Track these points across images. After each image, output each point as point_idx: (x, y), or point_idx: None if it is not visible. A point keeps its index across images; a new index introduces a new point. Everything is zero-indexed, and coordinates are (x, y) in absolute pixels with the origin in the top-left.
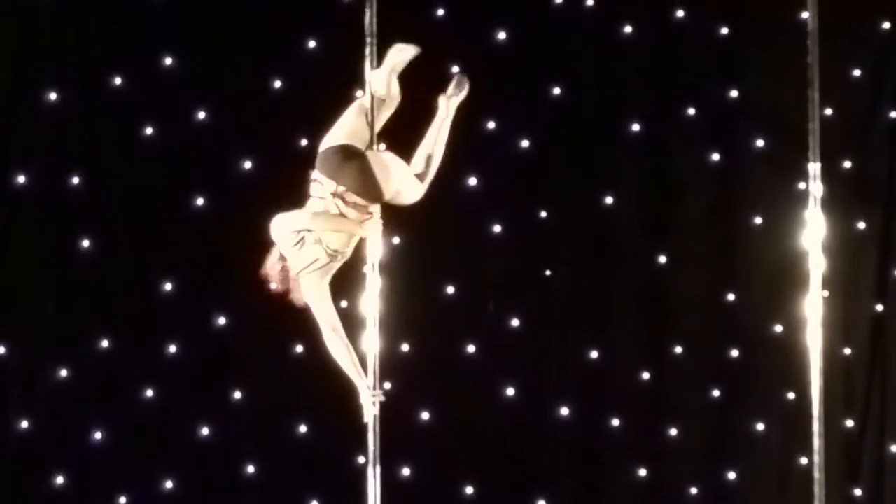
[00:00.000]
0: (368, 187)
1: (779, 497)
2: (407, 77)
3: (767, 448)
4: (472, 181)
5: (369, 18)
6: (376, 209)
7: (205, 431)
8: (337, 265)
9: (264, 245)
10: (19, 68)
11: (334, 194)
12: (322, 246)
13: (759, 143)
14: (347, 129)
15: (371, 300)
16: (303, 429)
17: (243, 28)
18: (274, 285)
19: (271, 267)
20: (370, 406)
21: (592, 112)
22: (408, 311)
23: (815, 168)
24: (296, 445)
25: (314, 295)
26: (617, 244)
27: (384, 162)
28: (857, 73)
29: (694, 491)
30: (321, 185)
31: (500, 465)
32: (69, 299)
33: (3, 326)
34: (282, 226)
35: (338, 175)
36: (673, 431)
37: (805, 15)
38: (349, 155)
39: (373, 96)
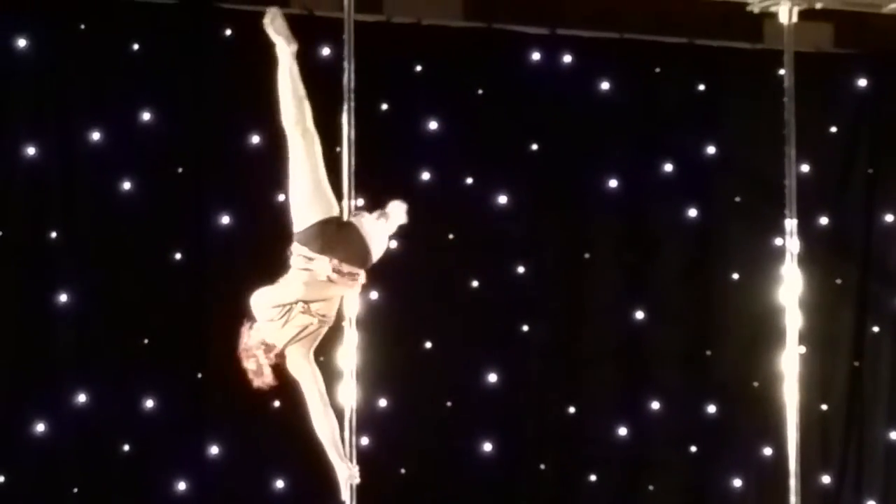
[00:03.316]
0: (363, 254)
1: None
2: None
3: None
4: (450, 236)
5: (347, 75)
6: (362, 274)
7: (181, 487)
8: (324, 331)
9: (240, 300)
10: None
11: (334, 269)
12: (311, 314)
13: (737, 199)
14: (320, 202)
15: (348, 355)
16: (279, 484)
17: (221, 84)
18: (256, 380)
19: (248, 359)
20: (346, 485)
21: (570, 168)
22: (385, 365)
23: (791, 224)
24: (272, 501)
25: (303, 367)
26: (594, 300)
27: (369, 226)
28: (833, 129)
29: None
30: (310, 260)
31: None
32: (45, 354)
33: None
34: (267, 300)
35: (333, 249)
36: (650, 487)
37: (782, 72)
38: (340, 226)
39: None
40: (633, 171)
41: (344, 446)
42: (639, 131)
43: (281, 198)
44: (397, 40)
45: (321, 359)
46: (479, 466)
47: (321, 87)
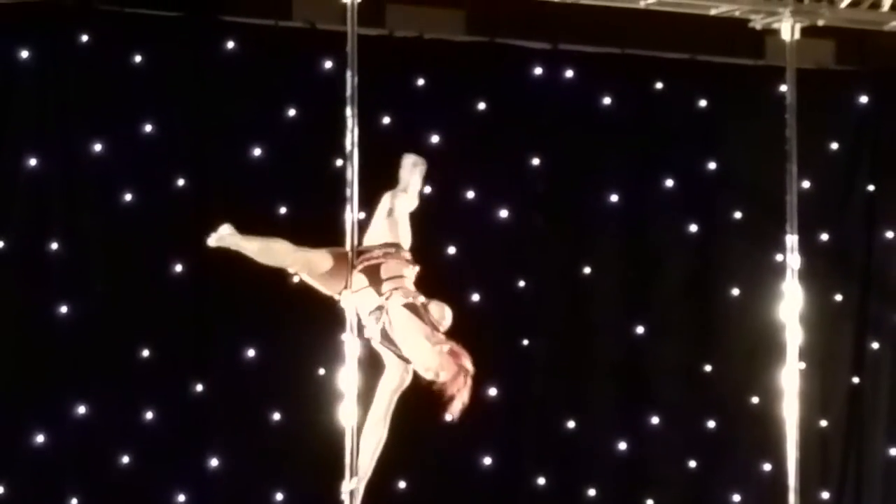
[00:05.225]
0: None
1: None
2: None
3: None
4: (451, 250)
5: (350, 87)
6: None
7: (181, 499)
8: None
9: (240, 312)
10: None
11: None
12: None
13: (737, 214)
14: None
15: (350, 367)
16: (279, 497)
17: (223, 95)
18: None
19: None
20: (346, 490)
21: (571, 182)
22: None
23: (792, 240)
24: None
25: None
26: (595, 314)
27: None
28: (834, 146)
29: None
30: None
31: None
32: (46, 365)
33: None
34: None
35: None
36: (650, 502)
37: (783, 88)
38: None
39: None
40: (634, 186)
41: (347, 461)
42: (640, 146)
43: (283, 210)
44: (400, 54)
45: (321, 372)
46: (479, 480)
47: (324, 100)
